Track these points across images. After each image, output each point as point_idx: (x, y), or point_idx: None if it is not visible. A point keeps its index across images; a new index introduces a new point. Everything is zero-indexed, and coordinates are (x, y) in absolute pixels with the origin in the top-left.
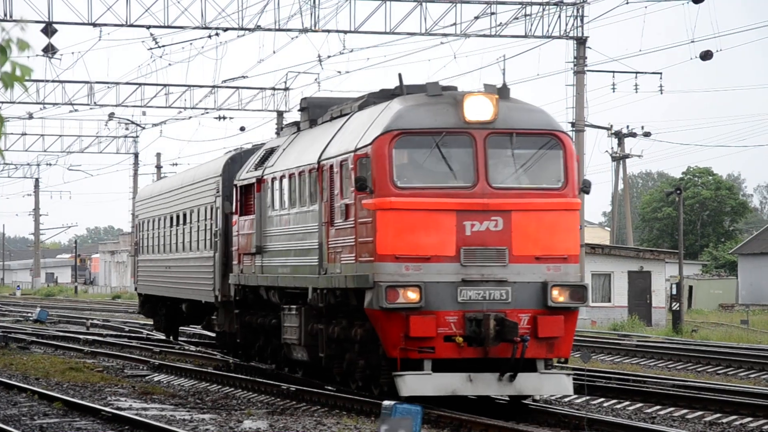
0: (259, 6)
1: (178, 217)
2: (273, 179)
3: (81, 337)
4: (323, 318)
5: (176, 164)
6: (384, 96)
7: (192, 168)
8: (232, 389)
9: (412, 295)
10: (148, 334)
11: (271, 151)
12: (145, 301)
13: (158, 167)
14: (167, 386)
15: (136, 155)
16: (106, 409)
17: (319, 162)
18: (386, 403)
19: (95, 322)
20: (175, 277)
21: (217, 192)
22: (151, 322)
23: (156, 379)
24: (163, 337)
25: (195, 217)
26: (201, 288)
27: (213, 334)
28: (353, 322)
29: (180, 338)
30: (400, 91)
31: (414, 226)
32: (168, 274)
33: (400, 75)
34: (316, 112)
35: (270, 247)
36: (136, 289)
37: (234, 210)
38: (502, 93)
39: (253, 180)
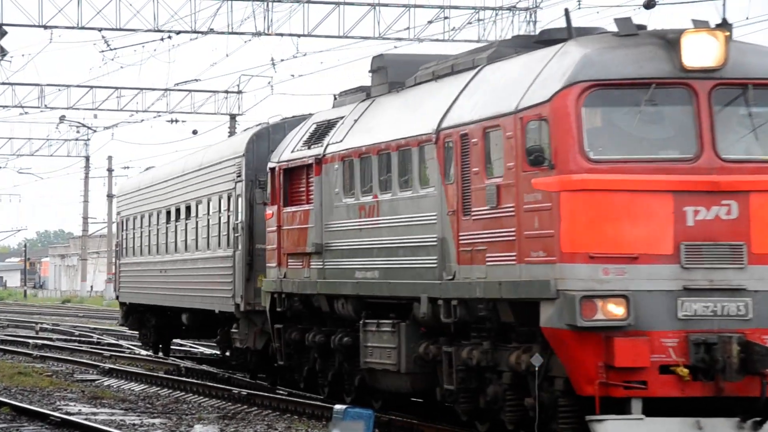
0: (212, 9)
1: (178, 210)
2: (343, 158)
3: (30, 341)
4: (443, 338)
5: (128, 167)
6: (521, 44)
7: (197, 150)
8: (183, 393)
9: (616, 309)
10: (98, 339)
11: (328, 125)
12: (129, 312)
13: (110, 170)
14: (117, 390)
15: (87, 158)
16: (55, 414)
17: (438, 132)
18: (338, 407)
19: (45, 326)
20: (174, 282)
21: (238, 176)
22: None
23: (106, 383)
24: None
25: (204, 209)
26: (213, 295)
27: (220, 352)
28: (499, 344)
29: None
30: (569, 33)
31: (615, 213)
32: (163, 279)
33: (566, 10)
34: (397, 72)
35: (339, 245)
36: (117, 297)
37: (271, 199)
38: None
39: (309, 160)
